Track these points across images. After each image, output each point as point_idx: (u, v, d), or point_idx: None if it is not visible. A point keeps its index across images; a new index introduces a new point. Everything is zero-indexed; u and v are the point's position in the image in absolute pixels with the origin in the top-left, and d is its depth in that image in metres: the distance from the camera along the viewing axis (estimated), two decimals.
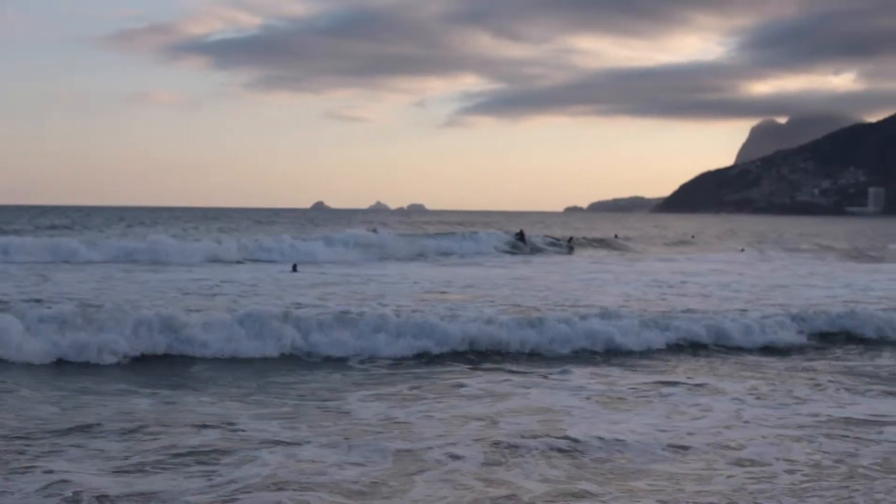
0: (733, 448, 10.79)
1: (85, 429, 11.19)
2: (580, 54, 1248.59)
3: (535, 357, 17.36)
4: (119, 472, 9.46)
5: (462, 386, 14.46)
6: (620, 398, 13.69)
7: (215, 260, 42.07)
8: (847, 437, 11.43)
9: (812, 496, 9.06)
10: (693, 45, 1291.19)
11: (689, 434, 11.41)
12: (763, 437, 11.34)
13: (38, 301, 21.80)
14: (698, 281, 33.03)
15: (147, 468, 9.58)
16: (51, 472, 9.36)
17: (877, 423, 12.23)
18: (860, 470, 9.97)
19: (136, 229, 77.98)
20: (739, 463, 10.20)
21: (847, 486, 9.38)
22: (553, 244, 58.33)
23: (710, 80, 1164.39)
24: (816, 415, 12.63)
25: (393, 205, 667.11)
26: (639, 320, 19.11)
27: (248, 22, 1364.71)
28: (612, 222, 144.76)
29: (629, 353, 17.81)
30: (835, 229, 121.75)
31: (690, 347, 18.47)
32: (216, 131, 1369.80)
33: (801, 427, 11.90)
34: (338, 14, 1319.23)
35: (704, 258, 51.40)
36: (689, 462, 10.21)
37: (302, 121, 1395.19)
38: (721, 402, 13.47)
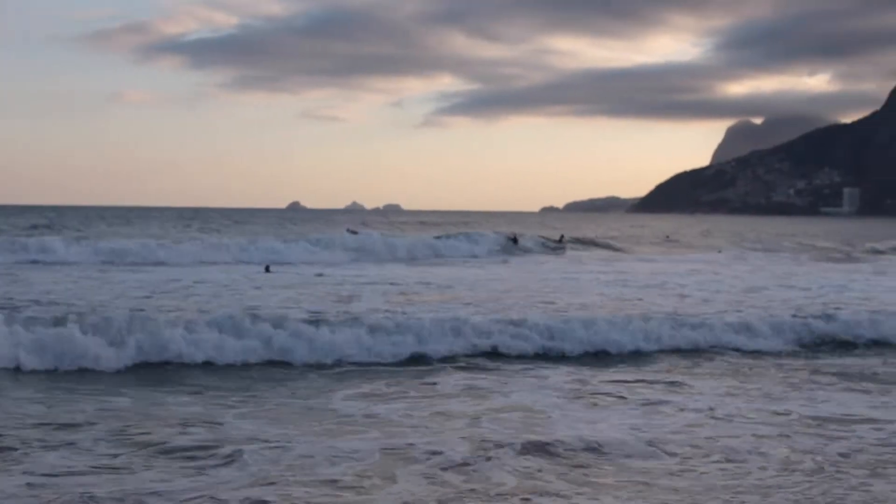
0: (706, 445, 11.00)
1: (71, 427, 11.27)
2: (556, 55, 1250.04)
3: (514, 358, 17.35)
4: (107, 470, 9.59)
5: (439, 384, 14.67)
6: (597, 397, 13.90)
7: (204, 261, 41.62)
8: (819, 434, 11.67)
9: (779, 491, 9.27)
10: (669, 45, 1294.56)
11: (664, 432, 11.60)
12: (736, 435, 11.53)
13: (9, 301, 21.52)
14: (677, 282, 33.14)
15: (134, 467, 9.71)
16: (32, 471, 9.49)
17: (848, 420, 12.48)
18: (827, 466, 10.18)
19: (119, 229, 77.48)
20: (712, 460, 10.41)
21: (811, 480, 9.65)
22: (545, 244, 57.96)
23: (685, 81, 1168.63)
24: (789, 413, 12.88)
25: (369, 205, 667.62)
26: (624, 321, 19.11)
27: (225, 22, 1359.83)
28: (589, 222, 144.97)
29: (606, 354, 17.93)
30: (810, 229, 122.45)
31: (668, 349, 18.46)
32: (192, 131, 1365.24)
33: (773, 425, 12.14)
34: (314, 14, 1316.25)
35: (684, 258, 51.41)
36: (661, 459, 10.41)
37: (278, 121, 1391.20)
38: (697, 400, 13.69)
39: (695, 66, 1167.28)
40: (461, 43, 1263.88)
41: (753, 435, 11.54)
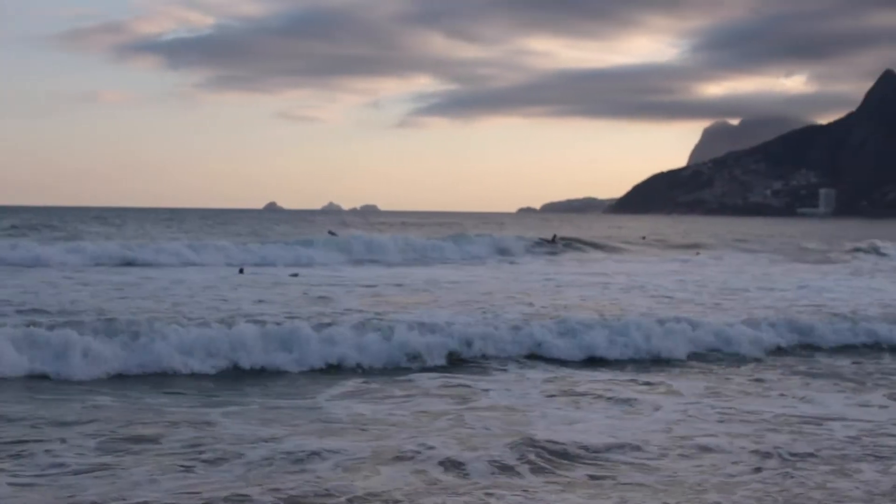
0: (679, 443, 11.31)
1: (59, 426, 11.45)
2: (533, 55, 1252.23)
3: (493, 359, 17.45)
4: (98, 469, 9.79)
5: (425, 385, 14.91)
6: (578, 397, 14.19)
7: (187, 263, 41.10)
8: (790, 431, 12.03)
9: (745, 488, 9.59)
10: (645, 46, 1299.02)
11: (639, 430, 11.92)
12: (711, 433, 11.85)
13: None
14: (656, 283, 33.17)
15: (122, 466, 9.90)
16: (19, 472, 9.69)
17: (821, 418, 12.83)
18: (798, 462, 10.55)
19: (96, 229, 76.95)
20: (682, 456, 10.76)
21: (773, 477, 10.00)
22: (539, 244, 57.47)
23: (662, 82, 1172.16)
24: (761, 412, 13.20)
25: (346, 205, 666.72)
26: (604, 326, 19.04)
27: (201, 21, 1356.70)
28: (568, 223, 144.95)
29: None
30: (787, 230, 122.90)
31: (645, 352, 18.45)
32: (169, 132, 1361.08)
33: (747, 423, 12.48)
34: (291, 14, 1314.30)
35: (663, 259, 51.34)
36: (631, 454, 10.75)
37: (255, 121, 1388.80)
38: (674, 400, 14.01)
39: (671, 67, 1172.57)
40: (438, 44, 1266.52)
41: (727, 434, 11.83)
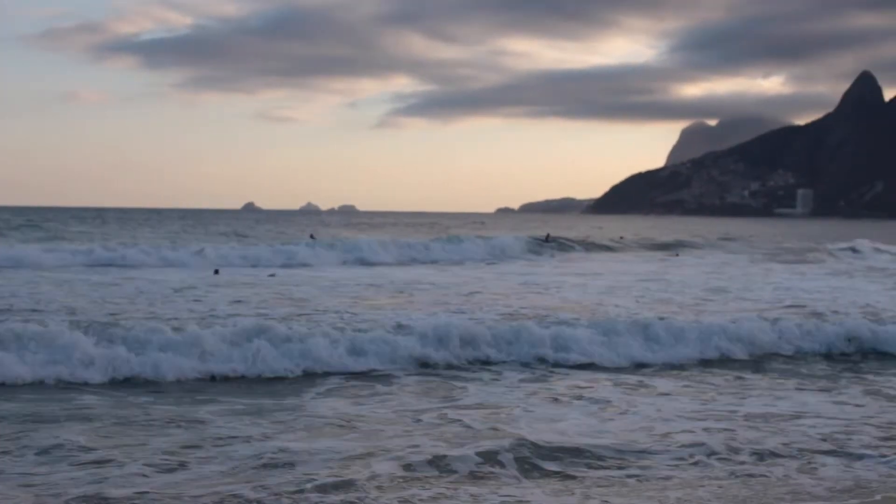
0: (654, 441, 11.49)
1: (48, 425, 11.54)
2: (511, 56, 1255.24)
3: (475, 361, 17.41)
4: (88, 466, 9.91)
5: (406, 383, 15.12)
6: (557, 397, 14.34)
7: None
8: (762, 428, 12.25)
9: (710, 485, 9.77)
10: (624, 47, 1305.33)
11: (618, 429, 12.13)
12: (686, 429, 12.05)
13: None
14: (640, 285, 33.07)
15: (112, 464, 10.01)
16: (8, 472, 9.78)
17: (793, 416, 13.07)
18: (767, 458, 10.80)
19: (82, 230, 76.59)
20: (652, 453, 10.92)
21: (747, 472, 10.24)
22: (537, 244, 57.26)
23: (640, 83, 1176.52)
24: (736, 410, 13.45)
25: (324, 206, 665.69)
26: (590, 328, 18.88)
27: (179, 21, 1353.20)
28: (546, 223, 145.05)
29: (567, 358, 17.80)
30: (766, 230, 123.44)
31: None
32: (146, 132, 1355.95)
33: (720, 419, 12.72)
34: (269, 14, 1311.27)
35: (644, 260, 51.42)
36: (608, 453, 10.86)
37: (233, 121, 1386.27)
38: (650, 399, 14.23)
39: (650, 68, 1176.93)
40: (416, 44, 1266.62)
41: (706, 428, 12.11)
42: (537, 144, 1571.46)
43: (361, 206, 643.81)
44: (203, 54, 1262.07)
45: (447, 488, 9.47)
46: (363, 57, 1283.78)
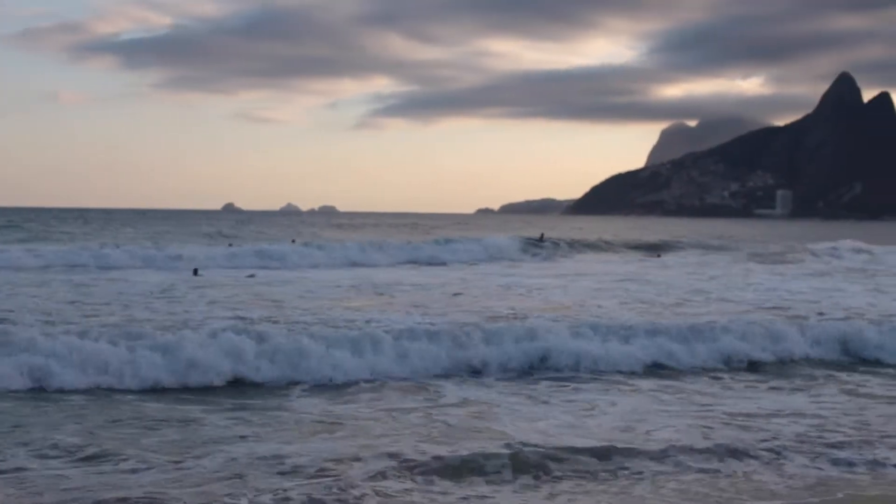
0: (631, 439, 11.69)
1: (41, 425, 11.68)
2: (492, 57, 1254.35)
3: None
4: (81, 463, 10.08)
5: (390, 383, 15.27)
6: (543, 396, 14.54)
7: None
8: (738, 425, 12.49)
9: (676, 483, 9.94)
10: (604, 48, 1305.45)
11: (597, 426, 12.38)
12: (670, 426, 12.34)
13: None
14: (625, 287, 33.00)
15: (105, 462, 10.15)
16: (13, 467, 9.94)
17: (770, 415, 13.27)
18: (738, 456, 10.94)
19: (65, 231, 76.28)
20: (630, 451, 11.03)
21: (715, 469, 10.45)
22: (531, 244, 57.07)
23: (620, 83, 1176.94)
24: (714, 408, 13.68)
25: (304, 206, 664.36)
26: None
27: (159, 22, 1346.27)
28: (527, 224, 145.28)
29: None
30: (746, 231, 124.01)
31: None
32: (126, 132, 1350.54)
33: (700, 417, 12.95)
34: (249, 14, 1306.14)
35: (624, 261, 51.46)
36: (582, 449, 11.00)
37: (213, 122, 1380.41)
38: (630, 399, 14.46)
39: (630, 69, 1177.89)
40: (396, 45, 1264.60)
41: (689, 425, 12.41)
42: (518, 145, 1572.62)
43: (342, 206, 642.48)
44: (183, 54, 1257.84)
45: (434, 487, 9.65)
46: (343, 57, 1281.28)
